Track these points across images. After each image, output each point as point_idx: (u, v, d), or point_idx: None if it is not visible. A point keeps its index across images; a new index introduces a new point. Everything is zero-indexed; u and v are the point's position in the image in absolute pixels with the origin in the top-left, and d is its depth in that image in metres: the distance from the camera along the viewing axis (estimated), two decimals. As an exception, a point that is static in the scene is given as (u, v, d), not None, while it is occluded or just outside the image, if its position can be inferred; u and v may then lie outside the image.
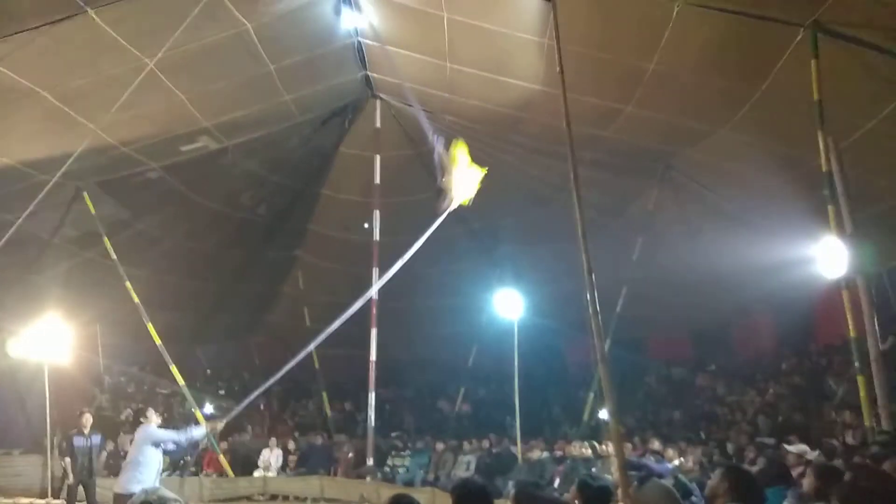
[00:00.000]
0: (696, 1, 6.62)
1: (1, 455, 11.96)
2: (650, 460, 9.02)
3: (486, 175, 7.68)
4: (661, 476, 7.78)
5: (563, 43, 5.96)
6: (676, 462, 9.39)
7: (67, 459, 9.56)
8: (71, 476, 9.46)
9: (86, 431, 9.93)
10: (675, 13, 6.81)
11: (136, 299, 11.33)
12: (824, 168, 6.43)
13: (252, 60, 8.81)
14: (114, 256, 11.20)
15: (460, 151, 7.13)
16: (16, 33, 6.81)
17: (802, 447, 8.13)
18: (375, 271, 11.64)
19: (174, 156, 10.76)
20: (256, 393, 7.43)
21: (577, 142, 5.98)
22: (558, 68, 5.56)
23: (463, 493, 3.09)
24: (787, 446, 8.48)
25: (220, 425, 7.78)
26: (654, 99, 8.34)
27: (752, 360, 14.23)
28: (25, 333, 11.29)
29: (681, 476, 8.08)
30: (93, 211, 10.84)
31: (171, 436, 7.37)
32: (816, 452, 7.83)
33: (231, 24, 7.93)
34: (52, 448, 11.22)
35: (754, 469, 8.13)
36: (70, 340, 11.25)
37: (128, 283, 11.29)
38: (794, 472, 6.83)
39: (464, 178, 7.22)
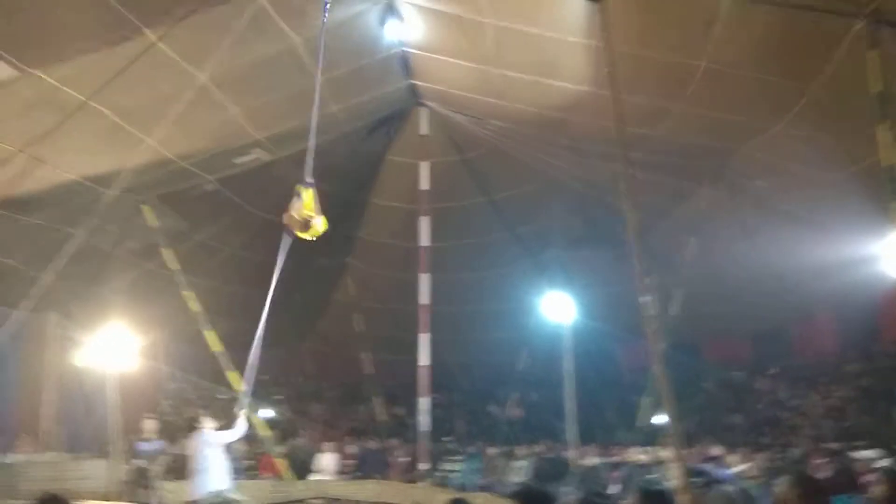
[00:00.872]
0: (747, -6, 6.46)
1: (70, 459, 12.47)
2: (711, 466, 8.80)
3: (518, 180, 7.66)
4: (722, 483, 7.59)
5: (612, 44, 5.91)
6: (739, 468, 9.13)
7: (134, 463, 9.93)
8: (137, 480, 9.81)
9: (150, 437, 10.32)
10: (724, 9, 6.65)
11: (196, 308, 11.68)
12: (886, 163, 6.16)
13: (300, 73, 8.99)
14: (174, 267, 11.57)
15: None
16: (79, 55, 7.14)
17: (871, 453, 7.80)
18: (425, 277, 11.74)
19: (228, 168, 11.08)
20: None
21: (626, 141, 5.92)
22: (607, 70, 5.50)
23: (526, 498, 3.08)
24: (854, 452, 8.17)
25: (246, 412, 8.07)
26: (705, 96, 8.14)
27: (815, 363, 13.72)
28: (92, 343, 11.81)
29: (744, 483, 7.86)
30: (153, 223, 11.23)
31: (224, 437, 7.59)
32: (886, 458, 7.50)
33: (280, 38, 8.14)
34: (118, 453, 11.66)
35: (821, 476, 7.86)
36: (134, 349, 11.71)
37: (188, 293, 11.65)
38: (863, 479, 6.57)
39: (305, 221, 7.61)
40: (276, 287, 14.34)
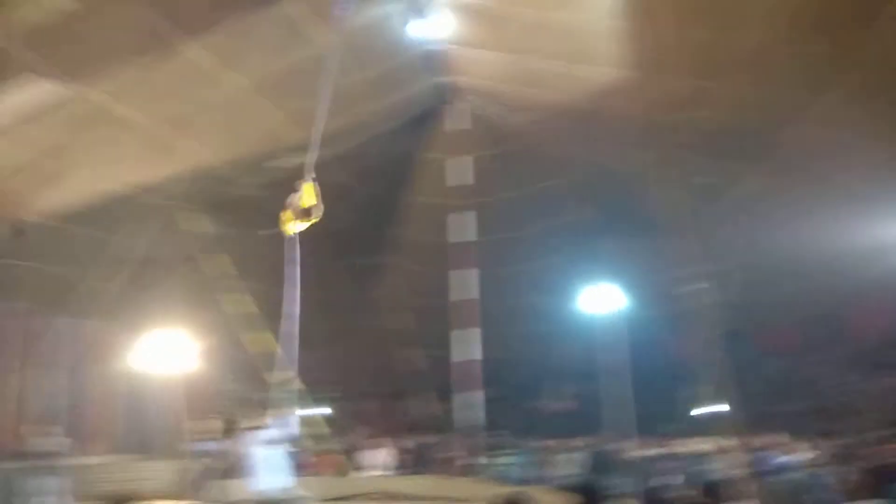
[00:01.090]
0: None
1: (138, 460, 12.97)
2: (774, 455, 8.52)
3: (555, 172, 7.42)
4: (787, 471, 7.34)
5: (647, 25, 5.76)
6: (804, 456, 8.80)
7: (198, 462, 10.23)
8: (201, 479, 10.13)
9: (212, 436, 10.63)
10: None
11: (247, 310, 11.96)
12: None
13: (337, 75, 9.09)
14: (228, 271, 11.85)
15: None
16: (124, 70, 7.39)
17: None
18: (473, 272, 11.68)
19: (271, 172, 11.29)
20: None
21: (668, 125, 5.77)
22: (648, 54, 5.36)
23: (584, 490, 3.00)
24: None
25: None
26: (749, 74, 7.87)
27: (878, 345, 13.09)
28: (154, 347, 12.25)
29: (810, 470, 7.58)
30: (199, 229, 11.53)
31: (275, 435, 7.72)
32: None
33: (314, 44, 8.23)
34: (182, 453, 12.06)
35: (891, 460, 7.52)
36: (192, 352, 12.09)
37: (238, 296, 11.93)
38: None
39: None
40: (323, 289, 14.58)
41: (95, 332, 12.37)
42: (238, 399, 15.70)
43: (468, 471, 12.05)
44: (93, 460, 12.06)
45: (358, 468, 13.09)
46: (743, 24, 7.03)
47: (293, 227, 7.76)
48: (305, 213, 7.63)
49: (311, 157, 7.49)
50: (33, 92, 7.06)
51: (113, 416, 13.18)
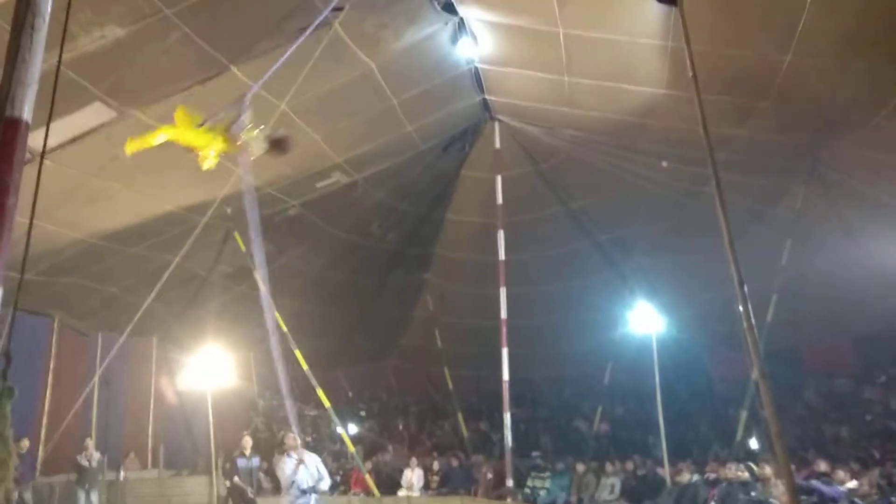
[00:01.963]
0: (836, -19, 6.12)
1: (172, 476, 13.12)
2: (819, 483, 8.25)
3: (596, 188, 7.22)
4: (834, 501, 7.10)
5: (689, 43, 5.72)
6: (850, 485, 8.51)
7: (235, 479, 10.31)
8: (235, 495, 10.20)
9: (247, 453, 10.71)
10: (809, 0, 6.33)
11: (284, 328, 12.06)
12: None
13: (376, 97, 9.24)
14: (263, 289, 12.01)
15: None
16: (172, 94, 7.60)
17: None
18: (503, 291, 11.67)
19: (310, 192, 11.47)
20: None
21: (711, 143, 5.69)
22: (690, 73, 5.32)
23: None
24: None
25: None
26: (793, 91, 7.75)
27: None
28: (190, 363, 12.43)
29: (857, 500, 7.32)
30: (243, 248, 11.73)
31: (294, 476, 7.70)
32: None
33: (356, 65, 8.39)
34: (216, 469, 12.16)
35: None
36: (229, 368, 12.23)
37: (276, 313, 12.06)
38: None
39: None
40: (357, 305, 14.61)
41: (134, 348, 12.61)
42: (275, 416, 15.82)
43: (500, 493, 11.89)
44: (128, 475, 12.23)
45: (389, 487, 13.04)
46: (787, 42, 6.94)
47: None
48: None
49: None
50: (85, 115, 7.29)
51: (152, 432, 13.36)
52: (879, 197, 9.54)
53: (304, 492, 7.60)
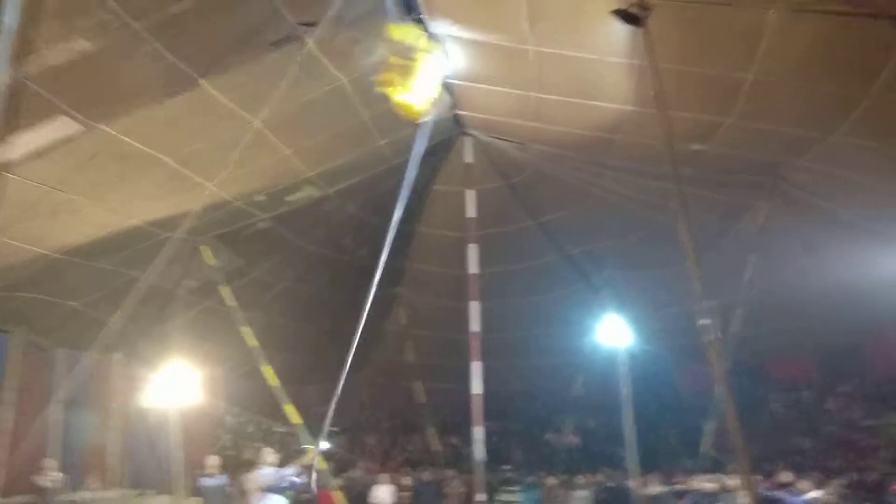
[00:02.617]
0: (793, 6, 6.32)
1: (136, 496, 12.79)
2: (783, 494, 8.41)
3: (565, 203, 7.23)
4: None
5: (655, 64, 5.87)
6: (813, 495, 8.69)
7: (197, 499, 10.10)
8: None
9: (213, 472, 10.50)
10: (770, 21, 6.53)
11: (254, 343, 11.92)
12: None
13: (348, 111, 9.25)
14: (231, 304, 11.87)
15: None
16: (139, 108, 7.50)
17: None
18: (474, 304, 11.72)
19: (281, 206, 11.38)
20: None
21: (676, 159, 5.83)
22: (653, 92, 5.46)
23: None
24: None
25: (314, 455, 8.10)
26: (755, 109, 7.98)
27: (889, 381, 13.03)
28: (155, 380, 12.17)
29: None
30: (211, 262, 11.58)
31: (274, 480, 7.63)
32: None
33: (328, 80, 8.39)
34: (181, 489, 11.90)
35: (906, 502, 7.41)
36: (195, 385, 12.01)
37: (245, 328, 11.91)
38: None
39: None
40: (328, 319, 14.50)
41: (97, 365, 12.30)
42: (242, 433, 15.58)
43: (471, 507, 11.87)
44: (90, 496, 11.90)
45: (360, 504, 12.90)
46: (750, 61, 7.15)
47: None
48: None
49: None
50: (49, 128, 7.15)
51: (114, 450, 13.03)
52: (838, 213, 9.85)
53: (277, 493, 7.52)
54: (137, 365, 13.26)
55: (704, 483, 10.00)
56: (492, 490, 12.29)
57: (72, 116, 7.12)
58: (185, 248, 11.15)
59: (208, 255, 11.55)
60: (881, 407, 12.16)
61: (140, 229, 9.92)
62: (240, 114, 8.03)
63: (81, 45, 6.21)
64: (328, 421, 8.14)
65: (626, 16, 6.63)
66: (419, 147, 8.45)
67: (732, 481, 9.50)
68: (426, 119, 6.70)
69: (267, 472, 7.71)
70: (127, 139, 7.86)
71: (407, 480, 13.62)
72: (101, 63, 6.59)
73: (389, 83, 6.54)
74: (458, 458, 15.31)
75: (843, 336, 13.24)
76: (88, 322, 11.04)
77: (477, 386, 11.26)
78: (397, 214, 8.39)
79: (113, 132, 7.58)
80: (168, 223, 9.69)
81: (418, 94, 6.59)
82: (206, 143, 8.48)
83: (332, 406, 7.77)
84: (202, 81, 7.41)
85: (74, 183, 8.33)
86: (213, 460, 10.80)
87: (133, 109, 7.45)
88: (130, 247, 10.23)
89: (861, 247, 9.90)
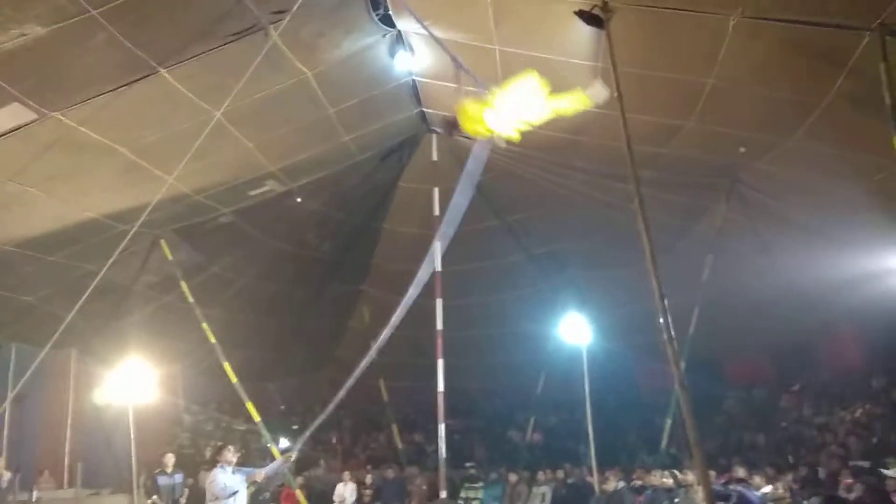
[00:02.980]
0: (752, 14, 6.48)
1: (90, 494, 12.48)
2: (738, 489, 8.62)
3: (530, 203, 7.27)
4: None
5: (617, 66, 5.95)
6: (765, 489, 8.93)
7: (155, 497, 9.90)
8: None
9: (169, 470, 10.30)
10: (731, 27, 6.69)
11: (213, 339, 11.72)
12: (903, 173, 6.11)
13: (313, 106, 9.15)
14: (190, 299, 11.65)
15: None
16: (96, 96, 7.30)
17: (903, 471, 7.61)
18: (439, 302, 11.73)
19: (243, 200, 11.22)
20: (327, 412, 7.52)
21: (637, 161, 5.92)
22: (615, 93, 5.54)
23: None
24: (885, 470, 7.97)
25: (293, 456, 8.01)
26: (716, 113, 8.17)
27: (840, 379, 13.46)
28: (111, 377, 11.87)
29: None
30: (170, 257, 11.35)
31: (232, 484, 7.51)
32: (919, 476, 7.32)
33: (292, 73, 8.29)
34: (138, 487, 11.65)
35: (852, 496, 7.68)
36: (152, 382, 11.75)
37: (204, 325, 11.71)
38: (895, 498, 6.40)
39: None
40: (290, 316, 14.31)
41: (50, 361, 11.95)
42: (200, 431, 15.30)
43: (433, 504, 11.89)
44: (42, 496, 11.57)
45: (321, 502, 12.81)
46: (710, 66, 7.32)
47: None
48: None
49: None
50: (1, 116, 6.92)
51: (69, 449, 12.69)
52: (793, 215, 10.14)
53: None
54: (93, 361, 12.93)
55: (662, 479, 10.19)
56: (454, 487, 12.32)
57: (25, 104, 6.90)
58: (143, 242, 10.92)
59: (167, 250, 11.32)
60: (831, 404, 12.56)
61: (96, 222, 9.66)
62: (200, 105, 7.87)
63: (35, 30, 6.02)
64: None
65: (588, 17, 6.72)
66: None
67: (689, 477, 9.71)
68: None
69: (226, 473, 7.57)
70: (83, 129, 7.65)
71: (369, 478, 13.56)
72: (55, 49, 6.40)
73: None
74: (421, 456, 15.31)
75: (796, 335, 13.64)
76: (43, 317, 10.70)
77: (441, 383, 11.28)
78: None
79: (68, 121, 7.38)
80: (125, 216, 9.46)
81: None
82: (165, 135, 8.30)
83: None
84: (161, 71, 7.25)
85: (28, 174, 8.08)
86: (169, 458, 10.58)
87: (89, 98, 7.25)
88: (86, 240, 9.96)
89: (813, 249, 10.21)
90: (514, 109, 6.32)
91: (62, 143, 7.72)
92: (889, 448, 9.62)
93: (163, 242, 11.26)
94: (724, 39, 6.89)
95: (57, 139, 7.62)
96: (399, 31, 8.64)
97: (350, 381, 7.81)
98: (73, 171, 8.39)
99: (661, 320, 5.29)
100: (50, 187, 8.54)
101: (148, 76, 7.26)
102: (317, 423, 7.76)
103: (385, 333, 8.00)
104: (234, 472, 7.63)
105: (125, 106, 7.56)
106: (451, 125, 6.66)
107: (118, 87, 7.27)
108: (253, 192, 11.11)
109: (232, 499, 7.46)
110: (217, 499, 7.43)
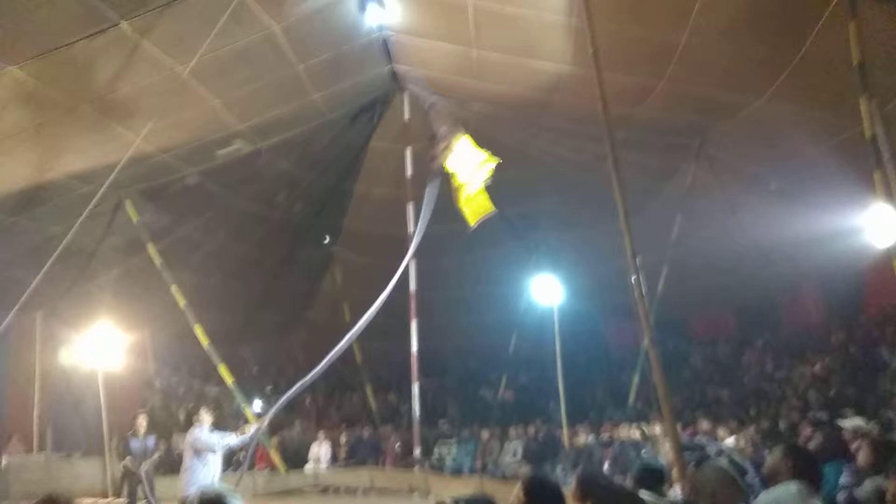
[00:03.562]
0: (726, -31, 6.45)
1: (61, 458, 12.41)
2: (704, 441, 8.92)
3: (502, 163, 7.77)
4: (714, 457, 7.68)
5: (593, 23, 5.89)
6: (728, 442, 9.26)
7: (127, 459, 9.88)
8: (129, 477, 9.78)
9: (140, 433, 10.26)
10: (705, -16, 6.66)
11: (183, 302, 11.59)
12: (868, 133, 6.21)
13: (280, 61, 8.91)
14: (158, 262, 11.46)
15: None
16: (54, 49, 7.00)
17: (858, 421, 7.92)
18: (412, 264, 11.72)
19: (210, 160, 10.95)
20: (303, 383, 7.53)
21: (609, 121, 5.92)
22: (591, 50, 5.49)
23: (538, 491, 2.93)
24: (841, 421, 8.29)
25: (266, 420, 8.05)
26: (688, 73, 8.18)
27: (800, 335, 13.91)
28: (79, 341, 11.70)
29: (735, 455, 7.96)
30: (135, 219, 11.10)
31: (216, 441, 7.54)
32: (872, 425, 7.63)
33: (258, 27, 8.03)
34: (109, 450, 11.62)
35: (811, 445, 8.00)
36: (122, 345, 11.62)
37: (173, 287, 11.55)
38: (851, 447, 6.68)
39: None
40: (261, 278, 14.17)
41: (16, 325, 11.71)
42: (172, 394, 15.23)
43: (407, 462, 12.09)
44: (12, 461, 11.48)
45: (296, 462, 12.94)
46: (683, 24, 7.30)
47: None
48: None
49: None
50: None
51: (38, 413, 12.55)
52: (760, 175, 10.30)
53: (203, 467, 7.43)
54: (60, 325, 12.71)
55: (630, 433, 10.50)
56: (428, 445, 12.54)
57: (-25, 57, 6.60)
58: (107, 204, 10.63)
59: (132, 212, 11.06)
60: (791, 359, 12.99)
61: (59, 182, 9.38)
62: (164, 60, 7.61)
63: (-15, -22, 5.72)
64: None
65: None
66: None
67: (656, 430, 10.02)
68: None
69: (204, 432, 7.57)
70: (42, 84, 7.36)
71: (343, 437, 13.71)
72: (9, 0, 6.09)
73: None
74: (395, 415, 15.49)
75: (759, 292, 14.03)
76: (6, 280, 10.43)
77: (414, 344, 11.36)
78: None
79: (25, 76, 7.07)
80: (89, 176, 9.19)
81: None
82: (129, 91, 8.02)
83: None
84: (123, 24, 6.97)
85: (-18, 132, 7.78)
86: (141, 420, 10.53)
87: (46, 51, 6.94)
88: (49, 201, 9.68)
89: (779, 208, 10.40)
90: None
91: (21, 99, 7.42)
92: (846, 400, 10.02)
93: (128, 204, 11.00)
94: (697, -2, 6.86)
95: (14, 95, 7.32)
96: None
97: (324, 364, 7.79)
98: (33, 128, 8.09)
99: (633, 279, 5.37)
100: (9, 146, 8.22)
101: (108, 29, 6.97)
102: (293, 392, 7.69)
103: (361, 323, 8.06)
104: (210, 432, 7.64)
105: (86, 61, 7.29)
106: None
107: (77, 41, 6.97)
108: (220, 152, 10.85)
109: (212, 456, 7.48)
110: (199, 454, 7.44)
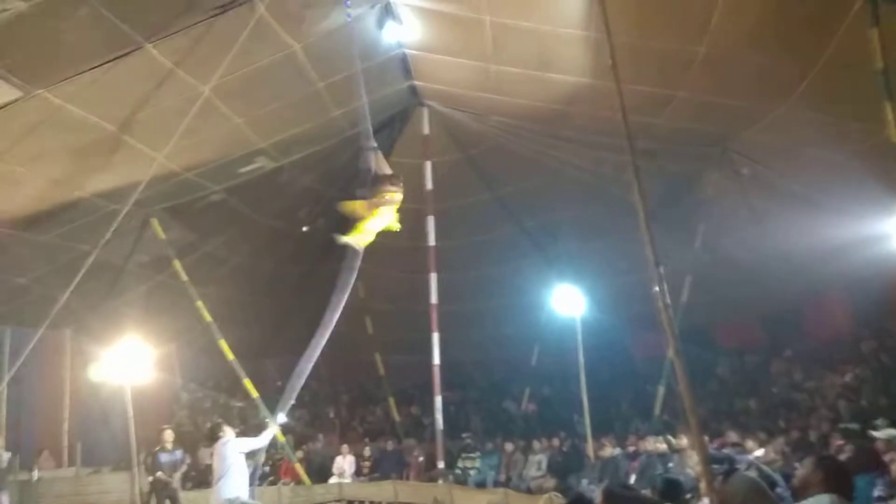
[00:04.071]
0: (744, -21, 6.44)
1: (91, 473, 12.58)
2: (732, 452, 8.78)
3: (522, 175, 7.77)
4: (741, 468, 7.56)
5: (611, 35, 5.90)
6: (757, 453, 9.10)
7: (158, 474, 10.01)
8: (157, 491, 9.90)
9: (168, 447, 10.40)
10: (723, -6, 6.64)
11: (208, 318, 11.73)
12: (894, 139, 6.13)
13: (301, 80, 9.06)
14: (184, 278, 11.63)
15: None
16: (81, 73, 7.19)
17: (891, 432, 7.75)
18: (433, 277, 11.77)
19: (234, 178, 11.14)
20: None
21: (631, 131, 5.91)
22: (609, 62, 5.49)
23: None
24: (874, 432, 8.12)
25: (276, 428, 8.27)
26: (707, 82, 8.14)
27: (829, 343, 13.63)
28: (107, 357, 11.89)
29: (764, 467, 7.84)
30: (162, 236, 11.29)
31: (248, 444, 7.65)
32: (907, 436, 7.46)
33: (280, 46, 8.18)
34: (138, 464, 11.76)
35: (842, 457, 7.83)
36: (149, 361, 11.78)
37: (199, 303, 11.71)
38: (884, 458, 6.53)
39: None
40: (285, 293, 14.32)
41: (46, 342, 11.96)
42: (198, 408, 15.39)
43: (431, 475, 12.06)
44: (43, 475, 11.66)
45: (320, 475, 12.97)
46: (702, 34, 7.28)
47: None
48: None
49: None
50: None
51: (67, 428, 12.77)
52: (782, 184, 10.17)
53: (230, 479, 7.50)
54: (89, 341, 12.95)
55: (656, 444, 10.35)
56: (451, 458, 12.50)
57: (9, 81, 6.79)
58: (134, 221, 10.85)
59: (159, 229, 11.26)
60: (821, 369, 12.73)
61: (86, 201, 9.60)
62: (187, 80, 7.77)
63: (16, 4, 5.90)
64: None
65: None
66: None
67: (683, 442, 9.88)
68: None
69: (229, 443, 7.67)
70: (69, 106, 7.55)
71: (367, 451, 13.73)
72: (38, 25, 6.28)
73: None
74: (418, 428, 15.47)
75: (786, 302, 13.77)
76: (36, 298, 10.68)
77: (436, 356, 11.37)
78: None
79: (54, 98, 7.27)
80: (115, 195, 9.39)
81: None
82: (153, 112, 8.20)
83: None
84: (147, 46, 7.14)
85: (15, 153, 7.99)
86: (168, 435, 10.68)
87: (75, 75, 7.14)
88: (77, 220, 9.90)
89: (803, 216, 10.25)
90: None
91: (49, 121, 7.62)
92: (877, 410, 9.78)
93: (154, 221, 11.20)
94: (715, 7, 6.84)
95: (43, 117, 7.52)
96: (388, 2, 8.52)
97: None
98: (61, 149, 8.30)
99: (657, 289, 5.32)
100: (38, 166, 8.45)
101: (133, 51, 7.14)
102: (292, 394, 7.99)
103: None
104: (233, 445, 7.72)
105: (112, 83, 7.46)
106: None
107: (103, 63, 7.15)
108: (243, 170, 11.03)
109: (239, 465, 7.57)
110: (226, 463, 7.54)
